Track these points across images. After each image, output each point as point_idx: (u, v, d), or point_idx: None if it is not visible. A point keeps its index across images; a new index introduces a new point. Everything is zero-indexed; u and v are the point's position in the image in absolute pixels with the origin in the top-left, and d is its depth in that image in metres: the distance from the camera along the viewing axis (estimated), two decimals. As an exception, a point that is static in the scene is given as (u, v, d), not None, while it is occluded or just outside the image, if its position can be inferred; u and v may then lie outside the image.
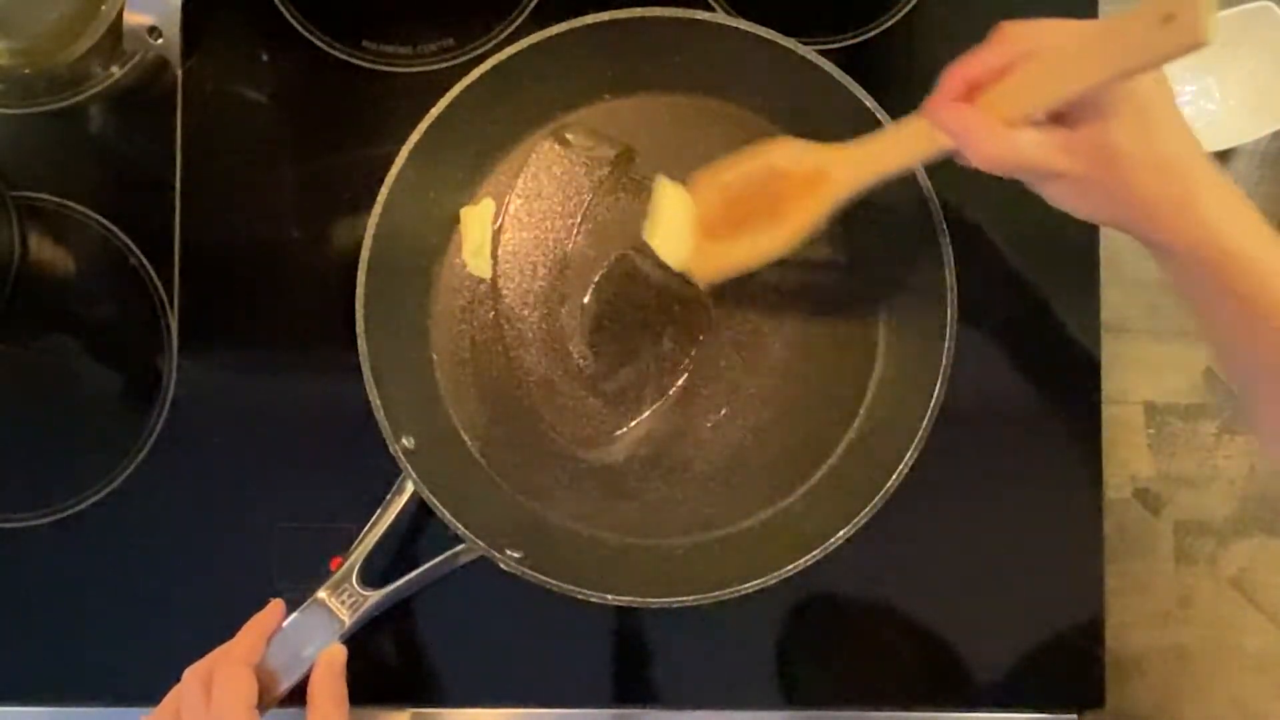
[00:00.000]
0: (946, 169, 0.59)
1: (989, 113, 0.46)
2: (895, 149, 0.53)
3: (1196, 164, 0.45)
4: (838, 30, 0.69)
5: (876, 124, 0.59)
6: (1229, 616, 0.68)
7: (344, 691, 0.58)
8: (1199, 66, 0.68)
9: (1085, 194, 0.47)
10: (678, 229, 0.62)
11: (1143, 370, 0.69)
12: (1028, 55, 0.45)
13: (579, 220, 0.67)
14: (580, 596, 0.59)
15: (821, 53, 0.60)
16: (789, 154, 0.58)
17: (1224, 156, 0.70)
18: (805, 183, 0.57)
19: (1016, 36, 0.46)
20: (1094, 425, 0.67)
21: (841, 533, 0.59)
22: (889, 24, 0.69)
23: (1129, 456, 0.68)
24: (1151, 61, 0.41)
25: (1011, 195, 0.69)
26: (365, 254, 0.60)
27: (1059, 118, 0.46)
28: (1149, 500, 0.68)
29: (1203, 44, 0.39)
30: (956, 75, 0.47)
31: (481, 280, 0.67)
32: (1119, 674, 0.67)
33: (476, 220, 0.66)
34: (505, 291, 0.67)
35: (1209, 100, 0.69)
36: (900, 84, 0.69)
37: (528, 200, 0.67)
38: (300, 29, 0.70)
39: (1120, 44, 0.42)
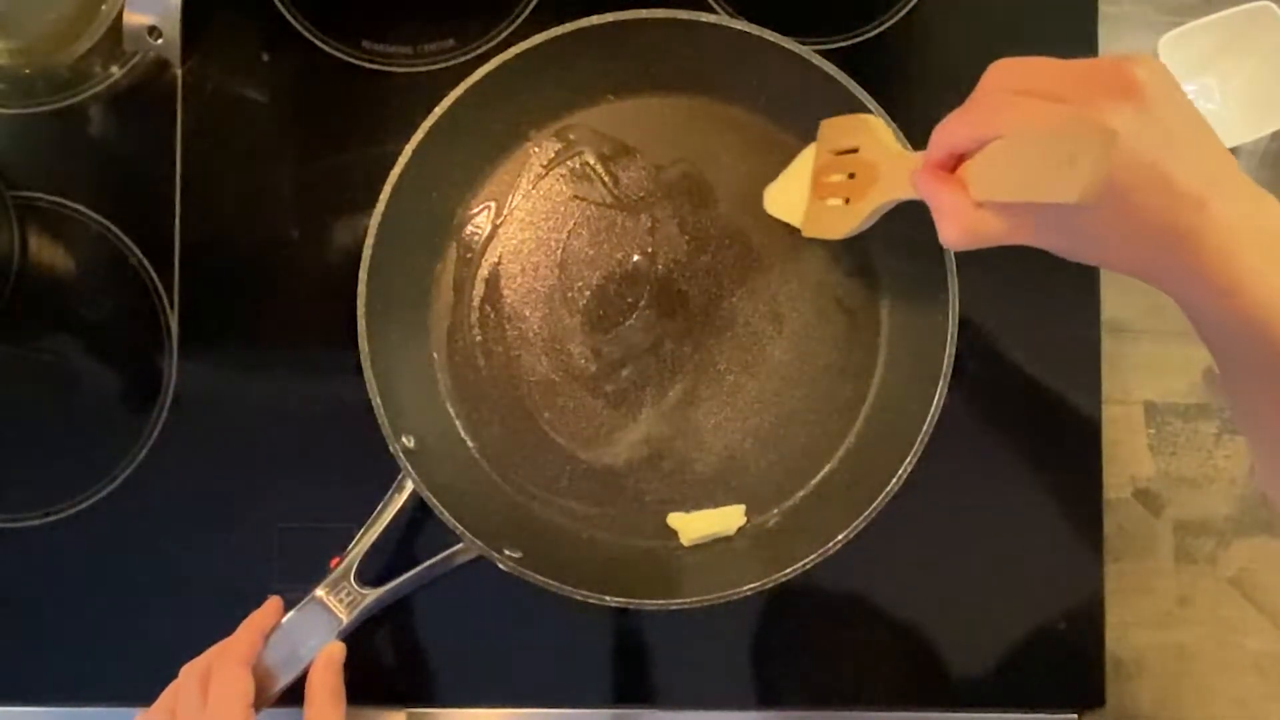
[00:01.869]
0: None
1: (963, 188, 0.43)
2: None
3: (1205, 226, 0.39)
4: (838, 30, 0.69)
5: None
6: (1229, 616, 0.68)
7: (341, 688, 0.58)
8: (1199, 66, 0.68)
9: (1072, 257, 0.44)
10: (795, 186, 0.63)
11: (1143, 370, 0.69)
12: (998, 132, 0.41)
13: (581, 221, 0.67)
14: (578, 597, 0.59)
15: (821, 53, 0.60)
16: (869, 138, 0.57)
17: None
18: (868, 173, 0.56)
19: (997, 100, 0.42)
20: (1094, 425, 0.67)
21: (841, 535, 0.59)
22: (889, 24, 0.69)
23: (1129, 456, 0.68)
24: (1050, 199, 0.38)
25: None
26: (367, 253, 0.60)
27: None
28: (1149, 500, 0.68)
29: (1089, 204, 0.37)
30: (942, 142, 0.44)
31: (483, 279, 0.67)
32: (1119, 674, 0.67)
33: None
34: (506, 291, 0.67)
35: (1209, 100, 0.69)
36: (900, 84, 0.69)
37: (529, 200, 0.67)
38: (300, 29, 0.70)
39: (1038, 172, 0.39)
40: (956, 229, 0.43)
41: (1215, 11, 0.66)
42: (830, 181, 0.60)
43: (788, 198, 0.64)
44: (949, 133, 0.44)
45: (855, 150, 0.58)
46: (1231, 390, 0.44)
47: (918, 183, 0.46)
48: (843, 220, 0.58)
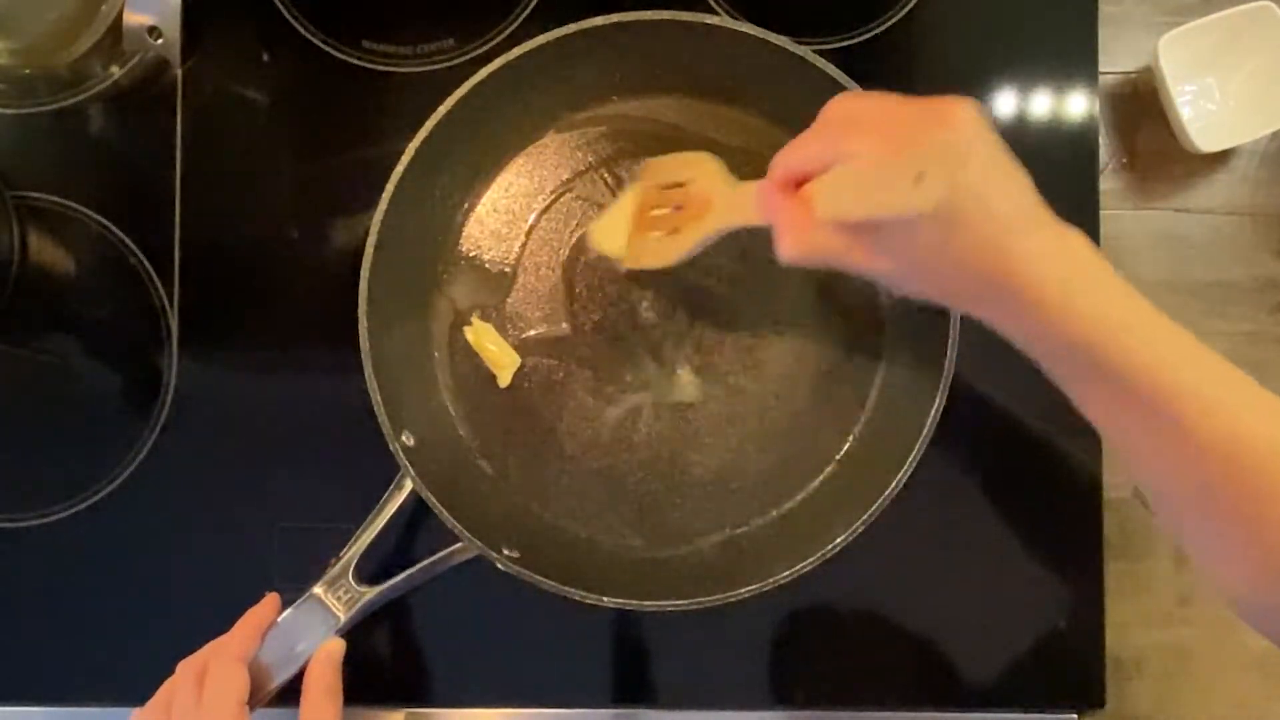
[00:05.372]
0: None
1: (804, 207, 0.46)
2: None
3: (1018, 252, 0.43)
4: (838, 30, 0.69)
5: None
6: (1229, 616, 0.67)
7: (339, 685, 0.58)
8: (1199, 66, 0.68)
9: (901, 284, 0.47)
10: (619, 222, 0.62)
11: (1143, 370, 0.69)
12: (842, 156, 0.45)
13: (583, 221, 0.67)
14: (576, 598, 0.59)
15: (821, 53, 0.60)
16: (701, 172, 0.58)
17: (1224, 156, 0.70)
18: (699, 204, 0.57)
19: (839, 127, 0.46)
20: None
21: (840, 539, 0.59)
22: (889, 24, 0.69)
23: (1129, 456, 0.68)
24: (900, 212, 0.42)
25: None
26: (369, 252, 0.60)
27: None
28: (1149, 500, 0.68)
29: (940, 213, 0.41)
30: (780, 165, 0.48)
31: (484, 278, 0.67)
32: (1119, 674, 0.67)
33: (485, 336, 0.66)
34: (509, 291, 0.67)
35: (1209, 100, 0.69)
36: (900, 84, 0.69)
37: (532, 200, 0.67)
38: (300, 29, 0.70)
39: (886, 189, 0.43)
40: (795, 242, 0.47)
41: (1215, 11, 0.66)
42: (654, 215, 0.60)
43: (614, 232, 0.62)
44: (794, 153, 0.47)
45: (682, 185, 0.59)
46: (1071, 398, 0.47)
47: (761, 198, 0.49)
48: (670, 248, 0.59)
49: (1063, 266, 0.43)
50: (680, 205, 0.59)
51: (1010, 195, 0.43)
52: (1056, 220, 0.44)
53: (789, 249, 0.47)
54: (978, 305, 0.46)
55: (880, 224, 0.44)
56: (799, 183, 0.47)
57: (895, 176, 0.42)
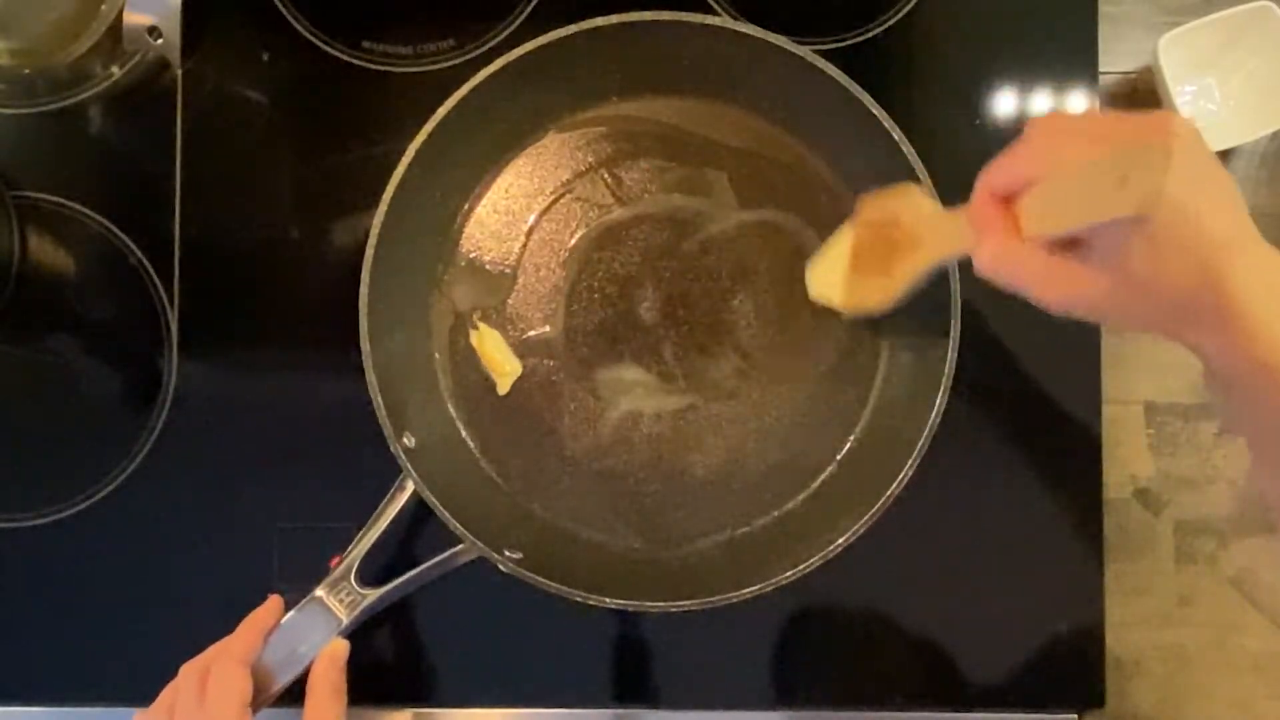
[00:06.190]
0: (947, 171, 0.59)
1: (1011, 221, 0.45)
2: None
3: (1229, 271, 0.40)
4: (838, 30, 0.69)
5: (876, 124, 0.59)
6: (1229, 616, 0.68)
7: (343, 685, 0.58)
8: (1199, 66, 0.68)
9: (1103, 313, 0.45)
10: (836, 267, 0.61)
11: (1143, 370, 0.69)
12: (1050, 167, 0.43)
13: (583, 222, 0.67)
14: (578, 599, 0.59)
15: (822, 53, 0.60)
16: (909, 207, 0.57)
17: (1224, 156, 0.70)
18: (910, 240, 0.56)
19: (1045, 139, 0.44)
20: (1094, 425, 0.67)
21: (841, 540, 0.59)
22: (889, 24, 0.69)
23: (1129, 456, 0.68)
24: (1105, 217, 0.40)
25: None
26: (370, 252, 0.60)
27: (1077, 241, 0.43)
28: (1149, 500, 0.68)
29: (1146, 214, 0.38)
30: (986, 180, 0.45)
31: (484, 279, 0.67)
32: (1119, 674, 0.67)
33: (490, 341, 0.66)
34: (510, 292, 0.67)
35: (1209, 100, 0.69)
36: (900, 84, 0.69)
37: (532, 201, 0.67)
38: (300, 29, 0.70)
39: (1088, 195, 0.41)
40: (995, 254, 0.45)
41: (1215, 11, 0.66)
42: (868, 256, 0.59)
43: (831, 278, 0.62)
44: (1000, 167, 0.45)
45: (894, 222, 0.57)
46: (1244, 435, 0.45)
47: (971, 210, 0.47)
48: (886, 288, 0.57)
49: (1268, 293, 0.40)
50: (890, 246, 0.57)
51: (1221, 210, 0.41)
52: (1267, 244, 0.42)
53: (987, 259, 0.45)
54: (1182, 331, 0.43)
55: (1088, 242, 0.42)
56: (1005, 200, 0.45)
57: (1098, 181, 0.40)
